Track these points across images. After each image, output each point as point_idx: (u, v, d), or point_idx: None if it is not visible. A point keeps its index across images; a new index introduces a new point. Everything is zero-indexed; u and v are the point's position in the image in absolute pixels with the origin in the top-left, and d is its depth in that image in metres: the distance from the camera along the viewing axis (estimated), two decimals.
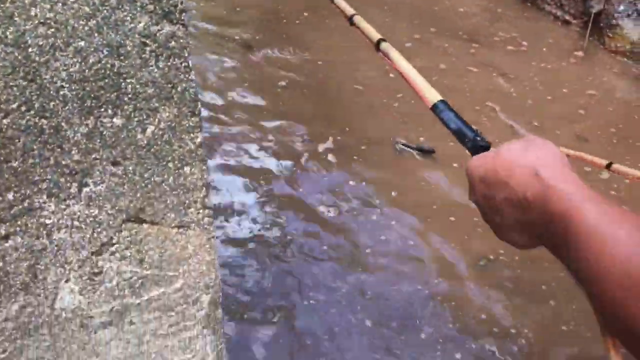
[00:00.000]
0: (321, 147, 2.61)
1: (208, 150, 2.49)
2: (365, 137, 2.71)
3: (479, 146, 0.80)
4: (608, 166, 2.17)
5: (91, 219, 0.95)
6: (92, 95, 0.85)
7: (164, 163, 0.96)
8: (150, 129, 0.91)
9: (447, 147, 2.68)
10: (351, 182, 2.45)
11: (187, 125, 0.94)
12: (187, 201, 1.02)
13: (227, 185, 2.38)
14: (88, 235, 0.97)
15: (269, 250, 2.12)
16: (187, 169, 0.98)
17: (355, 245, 2.19)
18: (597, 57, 3.62)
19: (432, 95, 0.88)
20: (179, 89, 0.91)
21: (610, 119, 3.12)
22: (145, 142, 0.92)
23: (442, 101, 0.87)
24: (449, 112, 0.86)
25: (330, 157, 2.54)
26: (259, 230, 2.21)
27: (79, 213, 0.94)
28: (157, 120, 0.91)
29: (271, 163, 2.53)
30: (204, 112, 2.71)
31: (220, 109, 2.82)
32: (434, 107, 0.87)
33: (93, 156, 0.90)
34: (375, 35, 1.04)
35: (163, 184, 0.98)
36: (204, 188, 1.02)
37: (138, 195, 0.97)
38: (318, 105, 2.87)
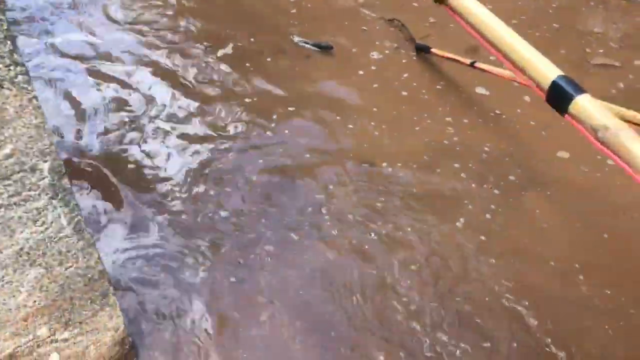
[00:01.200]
0: (220, 53, 2.59)
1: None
2: (264, 45, 2.68)
3: None
4: (472, 64, 2.30)
5: None
6: None
7: None
8: None
9: (351, 55, 2.67)
10: (247, 99, 2.42)
11: None
12: None
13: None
14: None
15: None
16: None
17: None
18: None
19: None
20: None
21: (515, 10, 3.13)
22: None
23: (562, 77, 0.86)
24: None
25: (223, 66, 2.52)
26: (153, 144, 2.20)
27: None
28: None
29: (166, 69, 2.50)
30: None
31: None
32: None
33: None
34: None
35: None
36: (8, 42, 1.01)
37: None
38: (214, 14, 2.82)
